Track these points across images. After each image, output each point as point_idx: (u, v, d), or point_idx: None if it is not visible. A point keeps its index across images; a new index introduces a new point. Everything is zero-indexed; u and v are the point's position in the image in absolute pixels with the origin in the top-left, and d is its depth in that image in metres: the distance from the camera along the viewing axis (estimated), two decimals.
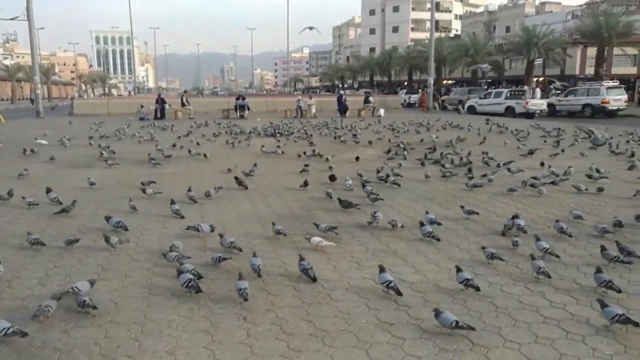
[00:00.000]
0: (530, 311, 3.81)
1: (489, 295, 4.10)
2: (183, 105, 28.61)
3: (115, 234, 5.61)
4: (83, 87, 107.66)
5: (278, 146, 13.46)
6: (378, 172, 9.34)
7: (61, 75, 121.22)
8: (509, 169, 9.51)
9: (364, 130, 19.20)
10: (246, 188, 8.39)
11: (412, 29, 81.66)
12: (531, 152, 11.77)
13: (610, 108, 27.23)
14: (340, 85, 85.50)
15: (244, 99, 29.65)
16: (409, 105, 39.78)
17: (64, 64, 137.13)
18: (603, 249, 4.73)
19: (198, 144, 14.59)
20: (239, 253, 5.06)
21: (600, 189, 7.79)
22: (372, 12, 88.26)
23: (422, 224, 5.65)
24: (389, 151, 12.27)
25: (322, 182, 8.82)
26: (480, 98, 31.91)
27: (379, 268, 4.27)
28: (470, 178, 8.57)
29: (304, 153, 12.13)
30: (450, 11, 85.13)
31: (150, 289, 4.27)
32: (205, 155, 11.77)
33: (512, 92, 30.70)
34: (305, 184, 8.19)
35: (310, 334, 3.51)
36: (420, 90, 41.77)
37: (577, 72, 46.23)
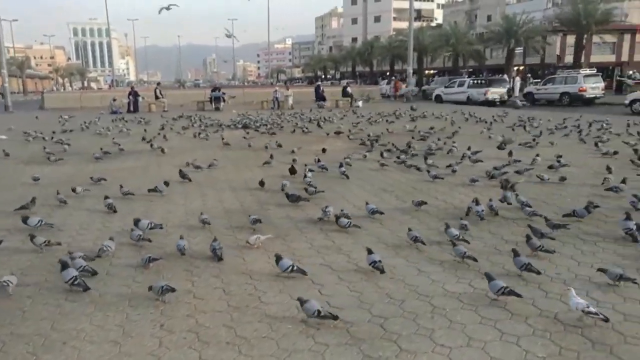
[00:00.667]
0: (468, 311, 3.59)
1: (428, 294, 3.88)
2: (157, 97, 28.00)
3: (48, 234, 5.29)
4: (60, 80, 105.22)
5: (244, 137, 13.14)
6: (318, 161, 9.23)
7: (38, 68, 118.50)
8: (469, 158, 9.36)
9: (339, 120, 18.91)
10: (189, 181, 8.17)
11: (395, 19, 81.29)
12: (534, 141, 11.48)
13: (587, 96, 27.21)
14: (323, 76, 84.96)
15: (219, 90, 29.12)
16: (389, 96, 39.45)
17: (41, 57, 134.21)
18: (528, 238, 4.66)
19: (165, 137, 14.21)
20: (172, 252, 4.79)
21: (563, 178, 7.62)
22: (354, 2, 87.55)
23: (337, 218, 5.47)
24: (363, 143, 11.99)
25: (283, 175, 8.51)
26: (446, 87, 32.92)
27: (275, 257, 4.30)
28: (423, 169, 8.42)
29: (266, 147, 11.86)
30: (432, 0, 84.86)
31: (67, 295, 3.96)
32: (162, 150, 11.37)
33: (474, 82, 31.66)
34: (262, 183, 7.64)
35: (228, 342, 3.24)
36: (393, 78, 41.44)
37: (557, 60, 46.32)
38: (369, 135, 13.31)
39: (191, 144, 13.20)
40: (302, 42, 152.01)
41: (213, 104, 27.59)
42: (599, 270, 4.01)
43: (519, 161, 9.03)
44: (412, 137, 12.74)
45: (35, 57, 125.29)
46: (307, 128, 15.61)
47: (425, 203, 6.27)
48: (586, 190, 7.09)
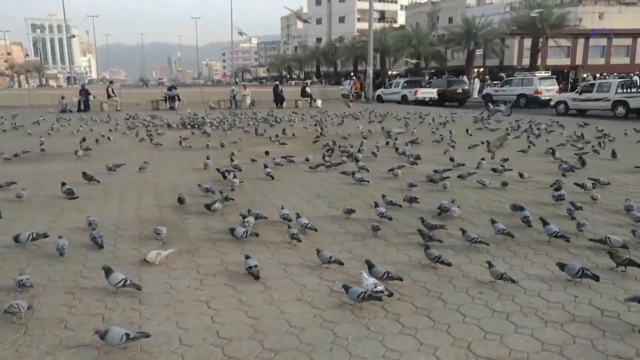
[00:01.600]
0: (373, 340, 3.17)
1: (333, 319, 3.45)
2: (109, 96, 26.89)
3: None
4: (16, 77, 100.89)
5: (186, 138, 12.44)
6: (232, 161, 9.05)
7: None
8: (408, 159, 9.16)
9: (300, 121, 18.43)
10: (98, 182, 7.75)
11: (359, 20, 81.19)
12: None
13: (542, 98, 27.62)
14: (288, 76, 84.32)
15: (175, 89, 28.26)
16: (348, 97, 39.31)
17: None
18: (427, 247, 4.42)
19: (109, 138, 13.38)
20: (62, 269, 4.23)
21: (504, 184, 7.36)
22: (318, 2, 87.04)
23: (232, 230, 5.10)
24: (327, 146, 11.44)
25: (215, 179, 7.98)
26: (385, 88, 34.79)
27: (103, 270, 3.88)
28: (349, 172, 8.05)
29: (207, 147, 11.39)
30: (396, 2, 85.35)
31: None
32: (76, 152, 10.59)
33: (408, 82, 33.32)
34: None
35: None
36: (354, 78, 41.36)
37: (515, 63, 47.17)
38: (321, 132, 12.92)
39: (132, 145, 12.48)
40: (268, 42, 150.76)
41: (168, 103, 26.75)
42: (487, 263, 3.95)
43: (463, 165, 8.76)
44: (364, 138, 12.36)
45: None
46: (257, 130, 14.95)
47: (354, 211, 5.87)
48: (527, 196, 6.84)
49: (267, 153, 10.40)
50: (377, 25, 60.96)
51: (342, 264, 4.27)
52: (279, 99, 28.32)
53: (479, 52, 45.73)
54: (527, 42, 42.24)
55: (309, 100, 28.82)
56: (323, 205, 6.51)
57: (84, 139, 12.29)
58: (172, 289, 3.97)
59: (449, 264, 4.25)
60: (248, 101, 27.79)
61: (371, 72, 32.90)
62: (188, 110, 24.33)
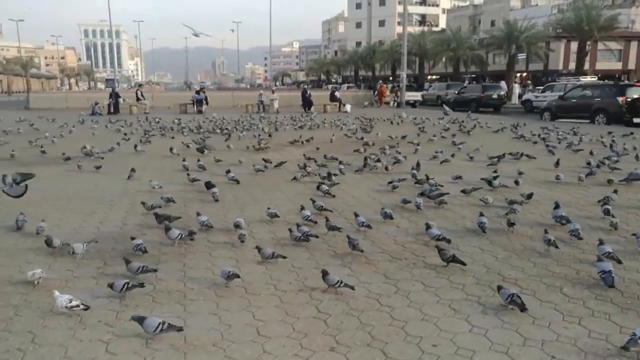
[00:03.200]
0: None
1: None
2: (138, 99, 27.20)
3: None
4: (67, 80, 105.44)
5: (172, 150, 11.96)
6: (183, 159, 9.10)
7: (49, 68, 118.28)
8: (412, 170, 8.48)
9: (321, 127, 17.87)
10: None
11: (399, 23, 79.93)
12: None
13: None
14: (327, 80, 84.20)
15: (203, 92, 28.33)
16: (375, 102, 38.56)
17: (52, 57, 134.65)
18: (325, 273, 3.93)
19: (118, 144, 13.10)
20: None
21: (511, 202, 6.46)
22: (358, 6, 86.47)
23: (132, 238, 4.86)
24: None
25: (199, 190, 7.53)
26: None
27: None
28: (319, 186, 7.37)
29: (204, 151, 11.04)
30: (437, 5, 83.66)
31: None
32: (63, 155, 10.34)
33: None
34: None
35: None
36: (379, 82, 40.40)
37: (561, 67, 44.95)
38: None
39: (134, 152, 12.09)
40: (309, 46, 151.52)
41: (195, 106, 26.80)
42: None
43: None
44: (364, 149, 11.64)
45: (46, 57, 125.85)
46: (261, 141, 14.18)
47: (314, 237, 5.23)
48: (534, 217, 5.99)
49: (265, 160, 9.86)
50: (417, 29, 59.77)
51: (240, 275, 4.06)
52: (307, 104, 27.87)
53: (521, 56, 43.79)
54: (574, 46, 40.11)
55: (338, 105, 28.25)
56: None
57: (84, 147, 11.94)
58: (74, 325, 3.43)
59: (352, 287, 3.84)
60: (276, 105, 27.48)
61: (404, 75, 31.97)
62: (213, 114, 24.23)
